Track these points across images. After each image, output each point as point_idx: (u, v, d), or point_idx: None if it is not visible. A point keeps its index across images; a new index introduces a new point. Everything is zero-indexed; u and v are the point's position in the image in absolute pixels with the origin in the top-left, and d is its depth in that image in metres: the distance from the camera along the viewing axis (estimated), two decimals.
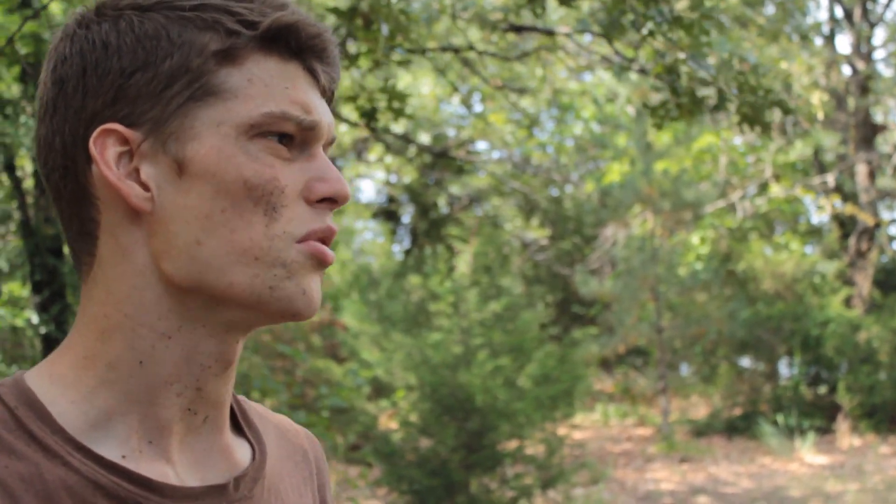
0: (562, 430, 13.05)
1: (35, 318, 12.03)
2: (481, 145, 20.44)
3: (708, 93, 4.63)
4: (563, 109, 18.67)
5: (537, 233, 20.05)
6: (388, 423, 12.30)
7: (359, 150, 19.88)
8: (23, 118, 10.92)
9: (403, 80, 17.71)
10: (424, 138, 18.07)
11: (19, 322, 12.13)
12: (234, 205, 0.96)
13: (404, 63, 6.48)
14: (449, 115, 19.32)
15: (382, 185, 21.59)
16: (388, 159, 18.71)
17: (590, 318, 18.36)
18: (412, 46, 11.71)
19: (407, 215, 22.41)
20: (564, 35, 9.70)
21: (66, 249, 12.51)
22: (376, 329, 12.49)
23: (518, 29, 10.06)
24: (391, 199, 22.02)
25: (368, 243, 20.76)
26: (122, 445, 0.97)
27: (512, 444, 9.75)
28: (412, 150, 15.69)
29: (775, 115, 13.95)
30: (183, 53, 0.97)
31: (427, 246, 18.08)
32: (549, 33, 10.20)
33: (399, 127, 17.40)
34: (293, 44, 1.00)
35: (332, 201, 1.01)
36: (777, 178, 16.64)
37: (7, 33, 10.67)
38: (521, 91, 14.10)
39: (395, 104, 5.77)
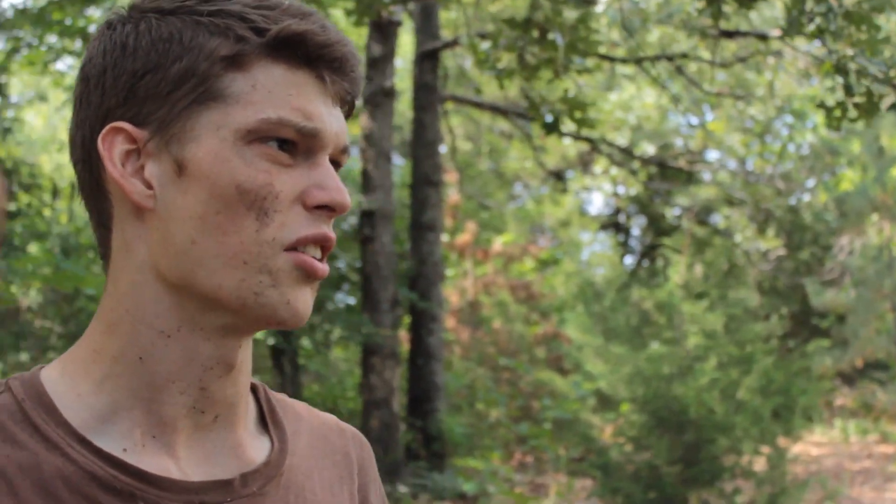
0: (797, 447, 12.62)
1: None
2: (712, 155, 20.04)
3: (884, 90, 4.42)
4: (795, 116, 18.06)
5: (769, 243, 19.47)
6: (613, 436, 12.22)
7: (585, 162, 19.85)
8: None
9: (627, 90, 17.60)
10: (650, 149, 17.87)
11: (260, 334, 12.76)
12: (227, 208, 0.98)
13: (584, 73, 6.45)
14: (676, 125, 19.04)
15: (610, 197, 21.47)
16: (614, 171, 18.59)
17: (824, 330, 17.66)
18: (630, 56, 11.68)
19: (636, 227, 22.21)
20: (777, 38, 9.43)
21: None
22: (599, 341, 12.44)
23: (729, 34, 9.84)
24: (618, 211, 21.86)
25: (596, 255, 20.67)
26: (124, 439, 0.99)
27: (731, 459, 9.50)
28: (636, 162, 15.53)
29: None
30: (192, 57, 0.99)
31: (658, 257, 17.87)
32: (762, 37, 9.93)
33: (623, 139, 17.29)
34: (301, 52, 1.01)
35: (330, 210, 1.01)
36: None
37: None
38: (739, 97, 13.75)
39: (577, 114, 5.74)
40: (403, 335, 12.83)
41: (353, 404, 12.41)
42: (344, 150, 1.06)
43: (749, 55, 11.23)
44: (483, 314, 15.68)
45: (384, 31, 11.79)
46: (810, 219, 19.64)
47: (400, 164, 16.94)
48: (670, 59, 11.61)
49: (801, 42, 10.01)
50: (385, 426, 11.08)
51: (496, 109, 14.31)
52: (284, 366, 12.07)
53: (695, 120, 18.59)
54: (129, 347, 1.00)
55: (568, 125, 6.35)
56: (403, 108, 16.27)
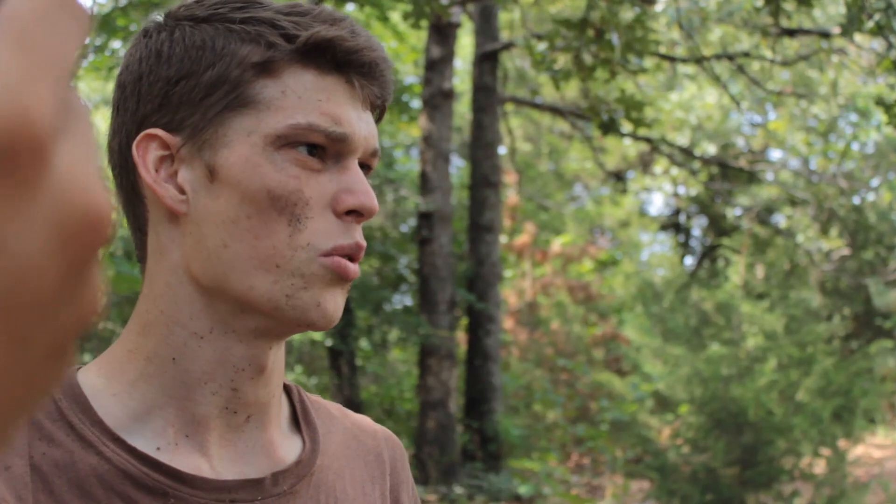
0: (859, 449, 12.46)
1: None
2: (775, 154, 19.84)
3: None
4: (859, 114, 17.82)
5: (832, 243, 19.25)
6: (671, 438, 12.15)
7: (645, 162, 19.74)
8: None
9: (689, 90, 17.47)
10: (711, 149, 17.74)
11: (318, 336, 12.86)
12: (259, 212, 0.99)
13: (640, 73, 6.40)
14: (737, 124, 18.87)
15: (670, 197, 21.32)
16: (674, 171, 18.46)
17: (887, 330, 17.41)
18: (689, 55, 11.61)
19: (697, 227, 22.03)
20: (839, 36, 9.32)
21: None
22: (658, 342, 12.38)
23: (790, 32, 9.75)
24: (678, 211, 21.70)
25: (656, 256, 20.55)
26: (157, 437, 1.01)
27: (789, 461, 9.41)
28: (696, 163, 15.42)
29: None
30: (223, 64, 1.00)
31: (719, 257, 17.73)
32: (824, 35, 9.82)
33: (684, 138, 17.17)
34: (331, 58, 1.02)
35: (359, 214, 1.03)
36: None
37: None
38: (801, 96, 13.60)
39: (633, 114, 5.71)
40: (461, 336, 12.86)
41: (411, 405, 12.46)
42: (374, 154, 1.07)
43: (811, 53, 11.10)
44: (541, 315, 15.67)
45: (443, 33, 11.83)
46: (874, 218, 19.39)
47: (461, 166, 16.98)
48: (731, 57, 11.52)
49: (865, 39, 9.89)
50: (441, 427, 11.11)
51: (555, 110, 14.29)
52: (342, 367, 12.14)
53: (756, 119, 18.43)
54: (163, 348, 1.02)
55: (626, 126, 6.33)
56: (465, 109, 16.31)
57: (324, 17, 1.03)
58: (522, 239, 16.17)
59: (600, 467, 12.58)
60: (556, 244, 16.65)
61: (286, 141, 1.00)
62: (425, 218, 11.53)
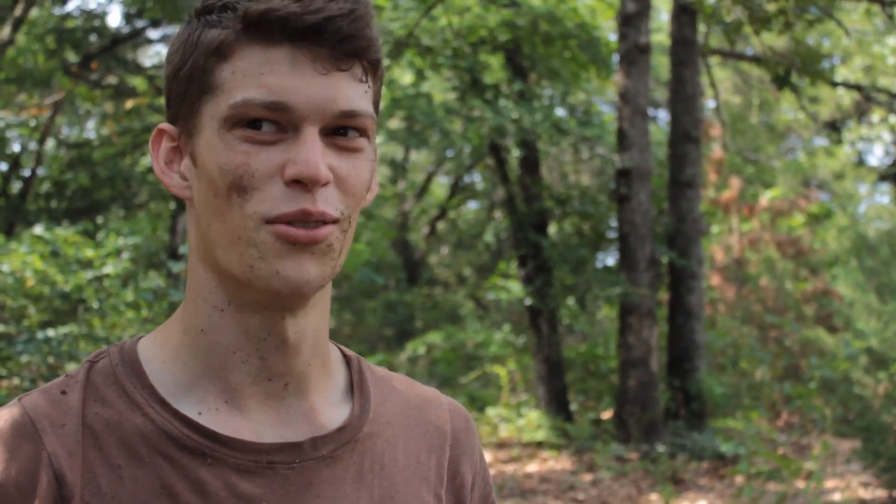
0: None
1: (521, 291, 12.77)
2: None
3: None
4: None
5: None
6: (884, 397, 11.74)
7: (861, 111, 18.90)
8: (502, 101, 11.66)
9: None
10: None
11: (520, 294, 13.00)
12: (218, 191, 1.04)
13: (816, 22, 6.13)
14: None
15: (890, 146, 20.34)
16: (893, 119, 17.61)
17: None
18: None
19: None
20: None
21: (551, 227, 13.19)
22: (872, 298, 11.96)
23: None
24: None
25: (875, 208, 19.67)
26: (200, 403, 1.09)
27: None
28: None
29: None
30: (196, 55, 1.06)
31: None
32: None
33: None
34: (272, 29, 1.02)
35: (303, 183, 1.03)
36: None
37: (485, 23, 11.40)
38: None
39: (809, 65, 5.51)
40: (664, 294, 12.73)
41: (615, 363, 12.44)
42: (343, 115, 1.05)
43: None
44: (749, 271, 15.32)
45: None
46: None
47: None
48: None
49: None
50: (643, 385, 11.06)
51: (760, 61, 13.87)
52: (541, 326, 12.24)
53: None
54: (193, 321, 1.11)
55: (801, 79, 6.11)
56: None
57: None
58: (729, 194, 15.81)
59: (809, 426, 12.26)
60: (765, 198, 16.19)
61: (234, 120, 1.03)
62: (623, 175, 11.45)
